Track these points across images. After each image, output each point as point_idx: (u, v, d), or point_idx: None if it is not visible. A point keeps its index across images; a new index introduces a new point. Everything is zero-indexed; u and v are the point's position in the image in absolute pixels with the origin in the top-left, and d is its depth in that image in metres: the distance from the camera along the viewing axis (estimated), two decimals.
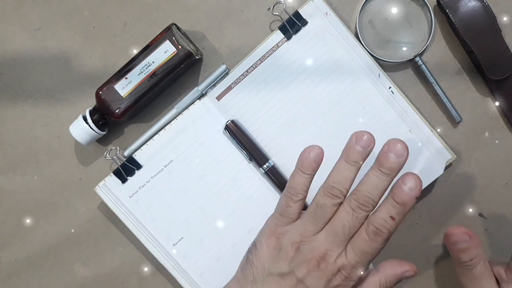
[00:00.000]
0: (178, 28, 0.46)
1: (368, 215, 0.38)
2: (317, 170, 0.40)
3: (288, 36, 0.46)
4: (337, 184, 0.38)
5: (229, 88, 0.47)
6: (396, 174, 0.38)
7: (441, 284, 0.49)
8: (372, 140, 0.38)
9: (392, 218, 0.37)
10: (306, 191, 0.40)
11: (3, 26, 0.49)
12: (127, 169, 0.47)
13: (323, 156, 0.39)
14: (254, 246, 0.41)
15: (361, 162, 0.38)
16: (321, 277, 0.38)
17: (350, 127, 0.47)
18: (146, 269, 0.50)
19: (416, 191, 0.37)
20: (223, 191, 0.47)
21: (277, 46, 0.46)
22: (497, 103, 0.47)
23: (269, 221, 0.41)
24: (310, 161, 0.39)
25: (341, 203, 0.38)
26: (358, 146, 0.38)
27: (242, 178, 0.47)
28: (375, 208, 0.38)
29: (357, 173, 0.38)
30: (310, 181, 0.40)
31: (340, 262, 0.37)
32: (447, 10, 0.45)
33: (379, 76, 0.46)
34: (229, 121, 0.47)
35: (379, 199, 0.38)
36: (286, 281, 0.38)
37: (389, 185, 0.38)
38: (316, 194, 0.39)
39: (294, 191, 0.40)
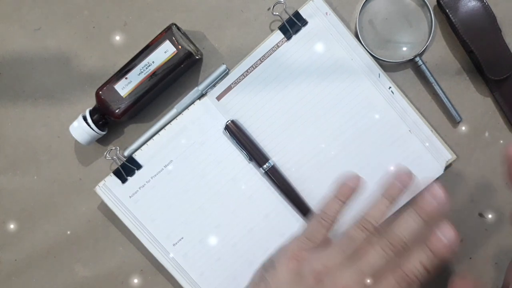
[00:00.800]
0: (178, 28, 0.46)
1: (398, 258, 0.36)
2: (353, 199, 0.39)
3: (288, 36, 0.46)
4: (372, 218, 0.37)
5: (229, 88, 0.47)
6: (433, 223, 0.36)
7: (441, 284, 0.49)
8: (412, 178, 0.38)
9: (425, 267, 0.35)
10: (338, 218, 0.39)
11: (3, 26, 0.49)
12: (127, 169, 0.47)
13: (361, 187, 0.39)
14: (271, 264, 0.40)
15: (398, 199, 0.38)
16: None
17: (350, 127, 0.47)
18: (146, 269, 0.50)
19: (454, 244, 0.35)
20: (223, 191, 0.47)
21: (277, 46, 0.46)
22: (497, 103, 0.47)
23: (293, 242, 0.40)
24: (348, 189, 0.39)
25: (371, 239, 0.37)
26: (399, 183, 0.38)
27: (242, 178, 0.47)
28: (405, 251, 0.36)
29: (392, 209, 0.38)
30: (344, 209, 0.39)
31: None
32: (447, 10, 0.45)
33: (379, 76, 0.46)
34: (229, 121, 0.47)
35: (412, 244, 0.36)
36: None
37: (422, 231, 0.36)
38: (349, 229, 0.38)
39: (326, 216, 0.39)
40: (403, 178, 0.38)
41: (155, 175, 0.47)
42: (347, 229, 0.38)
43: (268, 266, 0.40)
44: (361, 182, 0.40)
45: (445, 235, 0.35)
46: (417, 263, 0.35)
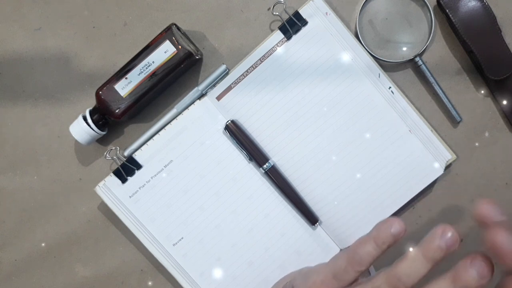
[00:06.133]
0: (178, 28, 0.46)
1: None
2: (392, 246, 0.35)
3: (288, 36, 0.46)
4: (406, 277, 0.32)
5: (229, 88, 0.47)
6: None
7: None
8: (457, 240, 0.32)
9: None
10: (371, 263, 0.35)
11: (3, 26, 0.49)
12: (127, 169, 0.47)
13: (403, 235, 0.34)
14: None
15: (439, 262, 0.32)
16: None
17: (350, 127, 0.47)
18: (146, 269, 0.50)
19: (485, 279, 0.31)
20: (223, 191, 0.47)
21: (277, 46, 0.46)
22: (497, 103, 0.47)
23: (317, 274, 0.37)
24: (389, 235, 0.34)
25: None
26: (443, 243, 0.32)
27: (242, 178, 0.47)
28: None
29: (430, 271, 0.33)
30: (380, 256, 0.35)
31: None
32: (447, 10, 0.45)
33: (379, 76, 0.46)
34: (229, 121, 0.47)
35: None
36: None
37: None
38: (376, 277, 0.34)
39: (360, 260, 0.35)
40: (449, 238, 0.32)
41: (155, 175, 0.47)
42: (375, 281, 0.34)
43: None
44: (404, 229, 0.35)
45: (476, 268, 0.31)
46: None
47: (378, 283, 0.34)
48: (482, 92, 0.47)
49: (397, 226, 0.34)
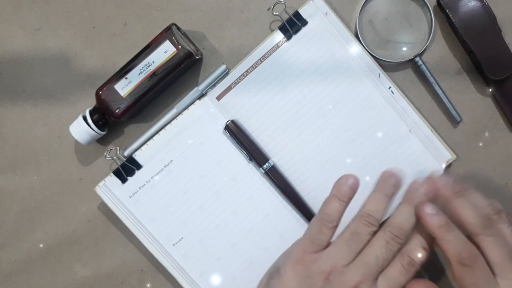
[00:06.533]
0: (178, 28, 0.46)
1: (400, 248, 0.38)
2: (352, 198, 0.41)
3: (288, 36, 0.46)
4: (373, 213, 0.39)
5: (229, 88, 0.47)
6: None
7: (442, 284, 0.49)
8: (400, 181, 0.41)
9: (424, 248, 0.38)
10: (340, 219, 0.40)
11: (3, 26, 0.49)
12: (127, 169, 0.47)
13: (359, 186, 0.41)
14: (277, 271, 0.40)
15: (394, 195, 0.40)
16: None
17: (350, 127, 0.47)
18: (146, 269, 0.50)
19: (439, 216, 0.38)
20: (223, 191, 0.47)
21: (277, 46, 0.46)
22: (497, 103, 0.47)
23: (297, 246, 0.40)
24: (347, 188, 0.40)
25: (375, 233, 0.39)
26: (390, 183, 0.40)
27: (242, 178, 0.47)
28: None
29: (391, 205, 0.40)
30: (345, 209, 0.40)
31: None
32: (447, 10, 0.45)
33: (379, 76, 0.46)
34: (229, 121, 0.47)
35: (410, 231, 0.39)
36: None
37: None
38: (350, 222, 0.40)
39: (329, 217, 0.39)
40: (394, 179, 0.40)
41: (155, 175, 0.47)
42: (351, 225, 0.39)
43: (274, 274, 0.40)
44: (358, 181, 0.41)
45: (427, 208, 0.38)
46: (417, 247, 0.38)
47: (353, 225, 0.39)
48: (482, 92, 0.47)
49: (351, 179, 0.40)
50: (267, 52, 0.47)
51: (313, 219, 0.41)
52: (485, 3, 0.44)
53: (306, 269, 0.38)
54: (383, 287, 0.37)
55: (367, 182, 0.47)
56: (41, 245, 0.50)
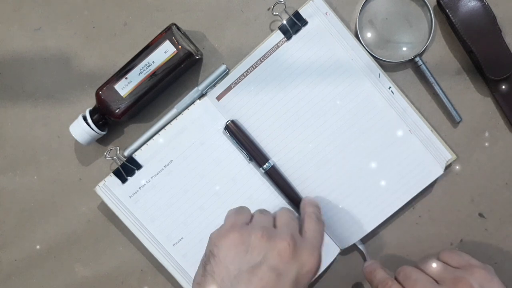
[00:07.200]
0: (178, 28, 0.46)
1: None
2: None
3: (288, 36, 0.46)
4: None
5: (229, 88, 0.47)
6: None
7: None
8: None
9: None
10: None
11: (3, 26, 0.49)
12: (127, 169, 0.47)
13: None
14: (210, 255, 0.39)
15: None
16: None
17: (350, 127, 0.47)
18: (146, 269, 0.50)
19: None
20: (223, 191, 0.47)
21: (277, 46, 0.46)
22: (497, 103, 0.47)
23: (222, 226, 0.42)
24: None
25: None
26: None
27: (242, 178, 0.47)
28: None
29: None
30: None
31: None
32: (447, 10, 0.45)
33: (379, 76, 0.46)
34: (229, 121, 0.47)
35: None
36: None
37: None
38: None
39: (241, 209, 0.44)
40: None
41: (155, 175, 0.47)
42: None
43: (207, 259, 0.39)
44: None
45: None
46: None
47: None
48: (482, 92, 0.47)
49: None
50: (267, 52, 0.46)
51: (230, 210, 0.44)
52: (485, 3, 0.44)
53: (240, 237, 0.39)
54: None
55: (367, 182, 0.47)
56: (41, 245, 0.50)
